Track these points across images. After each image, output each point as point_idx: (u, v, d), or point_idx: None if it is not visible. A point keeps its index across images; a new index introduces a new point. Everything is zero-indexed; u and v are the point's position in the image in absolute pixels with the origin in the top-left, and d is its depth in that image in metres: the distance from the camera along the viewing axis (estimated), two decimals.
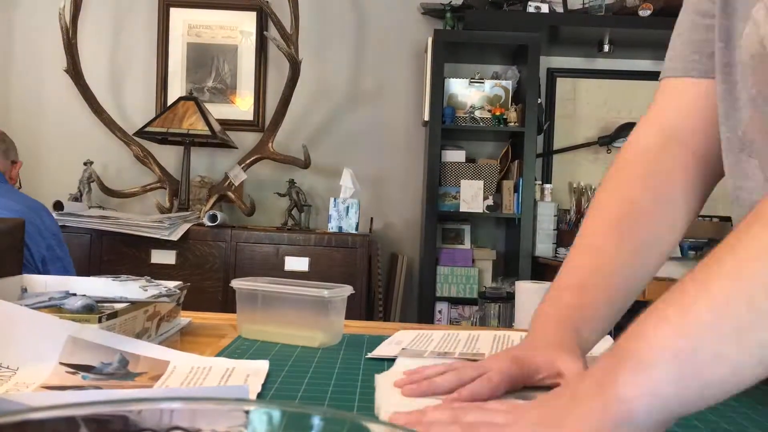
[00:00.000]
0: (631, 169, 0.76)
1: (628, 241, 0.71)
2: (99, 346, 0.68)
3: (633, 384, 0.43)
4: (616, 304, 0.70)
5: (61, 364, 0.66)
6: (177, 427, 0.27)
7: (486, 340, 0.93)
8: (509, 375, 0.60)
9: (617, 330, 0.54)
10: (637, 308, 0.53)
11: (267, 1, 3.02)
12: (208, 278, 2.67)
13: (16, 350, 0.66)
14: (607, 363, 0.46)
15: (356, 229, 2.83)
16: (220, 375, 0.68)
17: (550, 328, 0.66)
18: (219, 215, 2.76)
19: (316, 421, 0.27)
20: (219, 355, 0.82)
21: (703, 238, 3.08)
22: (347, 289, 0.92)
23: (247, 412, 0.28)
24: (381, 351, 0.85)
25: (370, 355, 0.83)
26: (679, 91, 0.76)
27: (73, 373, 0.65)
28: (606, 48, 3.15)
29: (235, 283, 0.94)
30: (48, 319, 0.69)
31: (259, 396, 0.65)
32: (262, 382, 0.67)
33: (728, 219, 3.21)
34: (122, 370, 0.67)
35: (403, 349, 0.86)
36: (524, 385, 0.62)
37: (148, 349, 0.71)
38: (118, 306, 0.79)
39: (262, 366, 0.73)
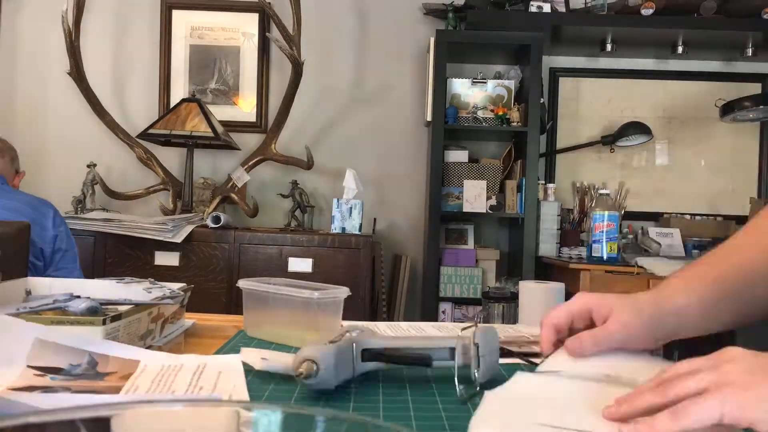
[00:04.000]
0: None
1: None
2: (67, 348, 0.67)
3: None
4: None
5: (29, 367, 0.64)
6: None
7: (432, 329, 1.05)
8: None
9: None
10: None
11: (269, 3, 3.02)
12: (212, 280, 2.67)
13: None
14: None
15: (359, 230, 2.83)
16: (192, 372, 0.67)
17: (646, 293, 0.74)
18: (222, 217, 2.76)
19: (315, 422, 0.27)
20: (220, 350, 0.84)
21: (707, 238, 3.07)
22: (343, 291, 0.93)
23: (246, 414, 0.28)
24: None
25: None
26: None
27: (41, 376, 0.63)
28: (608, 47, 3.15)
29: (242, 283, 0.95)
30: (11, 322, 0.67)
31: (252, 396, 0.64)
32: (242, 380, 0.66)
33: (731, 218, 3.20)
34: (91, 371, 0.66)
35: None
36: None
37: (117, 349, 0.70)
38: (122, 308, 0.79)
39: (233, 361, 0.72)
